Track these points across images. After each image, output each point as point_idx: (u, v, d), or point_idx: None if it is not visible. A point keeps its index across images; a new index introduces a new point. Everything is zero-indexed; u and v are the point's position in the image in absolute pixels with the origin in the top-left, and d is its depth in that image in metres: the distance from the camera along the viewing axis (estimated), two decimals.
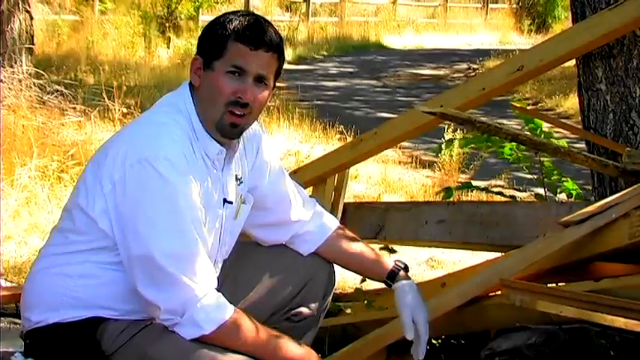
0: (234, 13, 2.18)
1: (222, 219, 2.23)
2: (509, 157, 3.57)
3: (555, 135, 3.47)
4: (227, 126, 2.12)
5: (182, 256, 2.04)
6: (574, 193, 3.46)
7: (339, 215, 3.22)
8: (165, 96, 2.25)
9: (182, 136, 2.10)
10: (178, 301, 2.04)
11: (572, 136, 3.63)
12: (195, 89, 2.16)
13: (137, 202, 2.03)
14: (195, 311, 2.03)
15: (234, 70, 2.10)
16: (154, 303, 2.06)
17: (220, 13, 2.27)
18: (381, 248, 3.25)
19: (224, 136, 2.15)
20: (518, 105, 3.43)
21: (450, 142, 4.65)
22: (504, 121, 7.61)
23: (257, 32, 2.11)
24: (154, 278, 2.04)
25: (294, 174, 3.18)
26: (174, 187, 2.03)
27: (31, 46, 6.95)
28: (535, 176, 3.63)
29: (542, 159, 3.54)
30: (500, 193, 3.70)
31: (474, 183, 5.05)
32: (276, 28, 2.19)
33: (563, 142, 3.33)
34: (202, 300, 2.04)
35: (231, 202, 2.25)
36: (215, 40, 2.13)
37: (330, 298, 2.52)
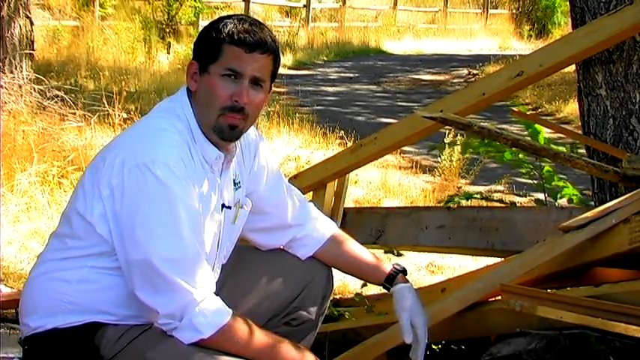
0: (228, 17, 2.18)
1: (221, 224, 2.23)
2: (509, 161, 3.58)
3: (559, 141, 3.48)
4: (226, 128, 2.13)
5: (180, 261, 2.04)
6: (574, 198, 3.46)
7: (339, 220, 3.22)
8: (163, 101, 2.25)
9: (180, 141, 2.10)
10: (177, 305, 2.03)
11: (573, 141, 3.63)
12: (193, 94, 2.17)
13: (135, 207, 2.03)
14: (194, 315, 2.03)
15: (229, 73, 2.11)
16: (152, 308, 2.05)
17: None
18: (385, 252, 3.25)
19: (223, 139, 2.15)
20: (518, 111, 3.43)
21: (453, 144, 4.65)
22: (505, 127, 7.61)
23: (251, 35, 2.11)
24: (152, 283, 2.03)
25: (294, 179, 3.18)
26: (173, 191, 2.03)
27: (31, 51, 6.95)
28: (535, 181, 3.64)
29: (542, 164, 3.54)
30: (500, 201, 3.70)
31: (474, 188, 5.05)
32: (271, 30, 2.19)
33: (563, 148, 3.34)
34: (201, 304, 2.04)
35: (229, 207, 2.25)
36: (210, 44, 2.13)
37: (329, 302, 2.53)
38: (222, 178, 2.22)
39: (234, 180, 2.28)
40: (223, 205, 2.23)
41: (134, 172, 2.03)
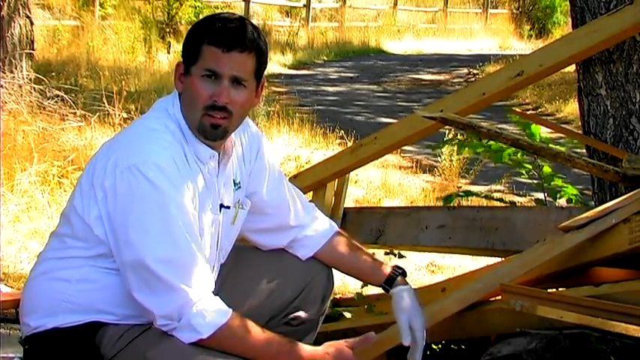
0: (211, 16, 2.18)
1: (219, 224, 2.23)
2: (508, 162, 3.58)
3: (561, 141, 3.48)
4: (208, 128, 2.12)
5: (175, 261, 2.04)
6: (574, 198, 3.46)
7: (339, 220, 3.22)
8: (158, 101, 2.25)
9: (173, 142, 2.10)
10: (174, 306, 2.03)
11: (573, 140, 3.63)
12: (181, 95, 2.17)
13: (128, 209, 2.03)
14: (192, 315, 2.03)
15: (208, 74, 2.10)
16: (149, 309, 2.05)
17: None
18: (386, 253, 3.25)
19: (207, 139, 2.14)
20: (518, 111, 3.43)
21: (450, 141, 4.62)
22: (505, 127, 7.61)
23: (229, 33, 2.10)
24: (147, 284, 2.04)
25: (294, 179, 3.18)
26: (164, 193, 2.03)
27: (31, 51, 6.95)
28: (535, 181, 3.64)
29: (541, 164, 3.54)
30: (501, 200, 3.70)
31: (474, 188, 5.05)
32: (256, 27, 2.18)
33: (563, 148, 3.34)
34: (198, 304, 2.03)
35: (228, 207, 2.25)
36: (191, 46, 2.13)
37: (329, 302, 2.52)
38: (219, 178, 2.22)
39: (234, 180, 2.28)
40: (222, 206, 2.22)
41: (126, 175, 2.03)
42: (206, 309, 2.04)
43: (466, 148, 3.76)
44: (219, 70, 2.10)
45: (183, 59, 2.16)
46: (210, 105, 2.10)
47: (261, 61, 2.16)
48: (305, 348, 2.15)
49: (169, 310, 2.04)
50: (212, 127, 2.12)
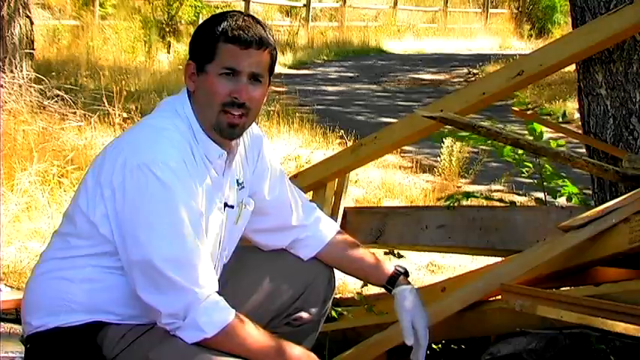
0: (221, 14, 2.18)
1: (223, 223, 2.23)
2: (508, 157, 3.57)
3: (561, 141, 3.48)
4: (225, 127, 2.13)
5: (182, 261, 2.04)
6: (574, 198, 3.46)
7: (339, 220, 3.22)
8: (164, 100, 2.25)
9: (181, 140, 2.10)
10: (180, 305, 2.03)
11: (573, 140, 3.63)
12: (192, 94, 2.17)
13: (136, 208, 2.03)
14: (197, 314, 2.03)
15: (227, 72, 2.11)
16: (155, 308, 2.05)
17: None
18: (385, 253, 3.25)
19: (224, 137, 2.15)
20: (518, 109, 3.43)
21: (451, 133, 4.61)
22: (505, 126, 7.60)
23: (245, 31, 2.11)
24: (154, 283, 2.03)
25: (294, 178, 3.18)
26: (174, 192, 2.03)
27: (31, 51, 6.95)
28: (535, 181, 3.63)
29: (542, 163, 3.54)
30: (501, 200, 3.70)
31: (474, 187, 5.04)
32: (265, 24, 2.19)
33: (563, 143, 3.34)
34: (204, 303, 2.04)
35: (232, 207, 2.25)
36: (205, 44, 2.13)
37: (330, 302, 2.52)
38: (225, 178, 2.22)
39: (237, 180, 2.28)
40: (226, 205, 2.23)
41: (135, 173, 2.03)
42: (211, 308, 2.04)
43: (471, 140, 3.76)
44: (238, 67, 2.11)
45: (195, 58, 2.15)
46: (230, 102, 2.11)
47: (274, 57, 2.19)
48: (307, 351, 2.15)
49: (175, 309, 2.04)
50: (229, 126, 2.13)
